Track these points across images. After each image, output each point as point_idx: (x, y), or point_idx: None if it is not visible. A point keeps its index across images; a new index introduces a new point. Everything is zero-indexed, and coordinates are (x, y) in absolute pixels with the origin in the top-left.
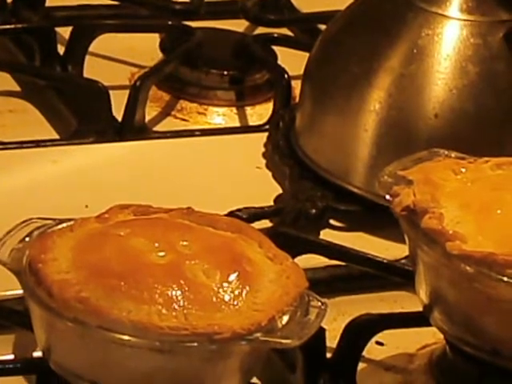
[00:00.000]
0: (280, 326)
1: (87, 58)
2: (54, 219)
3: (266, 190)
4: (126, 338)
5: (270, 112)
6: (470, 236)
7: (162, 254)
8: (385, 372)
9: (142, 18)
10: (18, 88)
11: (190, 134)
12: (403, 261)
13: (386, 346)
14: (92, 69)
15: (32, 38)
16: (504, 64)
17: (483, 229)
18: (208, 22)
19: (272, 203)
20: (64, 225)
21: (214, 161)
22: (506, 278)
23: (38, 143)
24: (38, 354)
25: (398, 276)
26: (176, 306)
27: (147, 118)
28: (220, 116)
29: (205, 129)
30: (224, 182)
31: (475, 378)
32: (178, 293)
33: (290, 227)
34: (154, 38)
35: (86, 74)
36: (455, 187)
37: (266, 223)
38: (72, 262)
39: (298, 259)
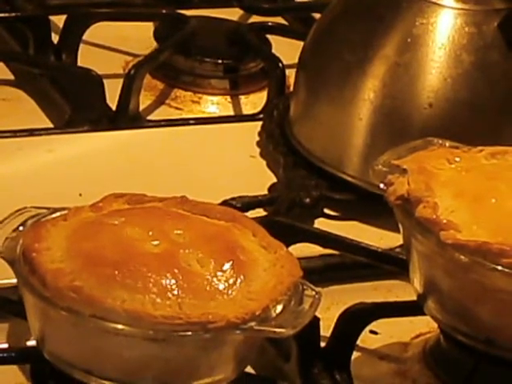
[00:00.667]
0: (274, 315)
1: (81, 46)
2: (48, 208)
3: (260, 179)
4: (119, 327)
5: (264, 101)
6: (464, 225)
7: (156, 242)
8: (379, 361)
9: (136, 7)
10: (11, 77)
11: (184, 122)
12: (397, 250)
13: (380, 334)
14: (86, 57)
15: (26, 26)
16: (498, 53)
17: (477, 218)
18: (202, 11)
19: (266, 192)
20: (58, 214)
21: (208, 149)
22: (500, 268)
23: (31, 132)
24: (31, 343)
25: (392, 265)
26: (170, 295)
27: (141, 107)
28: (214, 105)
29: (199, 117)
30: (218, 170)
31: (469, 367)
32: (172, 282)
33: (284, 216)
34: (148, 27)
35: (80, 63)
36: (449, 176)
37: (260, 212)
38: (66, 251)
39: (292, 248)
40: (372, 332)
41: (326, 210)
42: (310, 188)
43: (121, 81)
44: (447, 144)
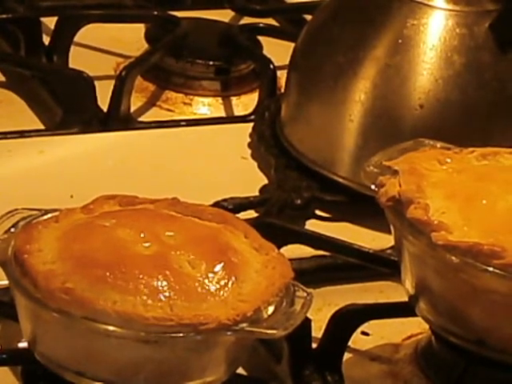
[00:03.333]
0: (266, 316)
1: (72, 48)
2: (39, 210)
3: (251, 180)
4: (111, 328)
5: (255, 102)
6: (455, 226)
7: (147, 244)
8: (370, 362)
9: (127, 8)
10: (3, 78)
11: (176, 124)
12: (389, 251)
13: (371, 336)
14: (77, 59)
15: (17, 28)
16: (489, 54)
17: (468, 219)
18: (193, 12)
19: (257, 193)
20: (49, 215)
21: (200, 151)
22: (491, 269)
23: (23, 133)
24: (23, 344)
25: (383, 266)
26: (161, 297)
27: (132, 109)
28: (205, 106)
29: (190, 119)
30: (210, 172)
31: (460, 368)
32: (164, 283)
33: (275, 217)
34: (139, 28)
35: (71, 65)
36: (440, 177)
37: (251, 213)
38: (57, 252)
39: (283, 249)
40: (363, 333)
41: (318, 212)
42: (301, 189)
43: (112, 82)
44: (438, 145)
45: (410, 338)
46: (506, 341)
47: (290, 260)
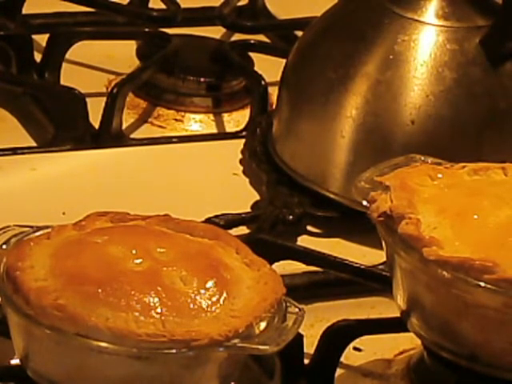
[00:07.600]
0: (257, 332)
1: (64, 65)
2: (31, 226)
3: (243, 197)
4: (103, 345)
5: (246, 118)
6: (446, 241)
7: (139, 261)
8: (363, 378)
9: (118, 25)
10: None
11: (167, 140)
12: (380, 267)
13: (363, 351)
14: (69, 76)
15: (8, 45)
16: (480, 69)
17: (460, 234)
18: (185, 29)
19: (249, 210)
20: (41, 232)
21: (191, 167)
22: (482, 284)
23: (14, 151)
24: (15, 361)
25: (375, 282)
26: (153, 313)
27: (124, 125)
28: (197, 123)
29: (182, 136)
30: (201, 188)
31: (452, 383)
32: (156, 300)
33: (267, 233)
34: (130, 45)
35: (62, 82)
36: (432, 193)
37: (243, 230)
38: (49, 269)
39: (275, 265)
40: (356, 349)
41: (309, 227)
42: (293, 205)
43: (104, 99)
44: (429, 160)
45: (402, 353)
46: (497, 356)
47: (282, 276)
